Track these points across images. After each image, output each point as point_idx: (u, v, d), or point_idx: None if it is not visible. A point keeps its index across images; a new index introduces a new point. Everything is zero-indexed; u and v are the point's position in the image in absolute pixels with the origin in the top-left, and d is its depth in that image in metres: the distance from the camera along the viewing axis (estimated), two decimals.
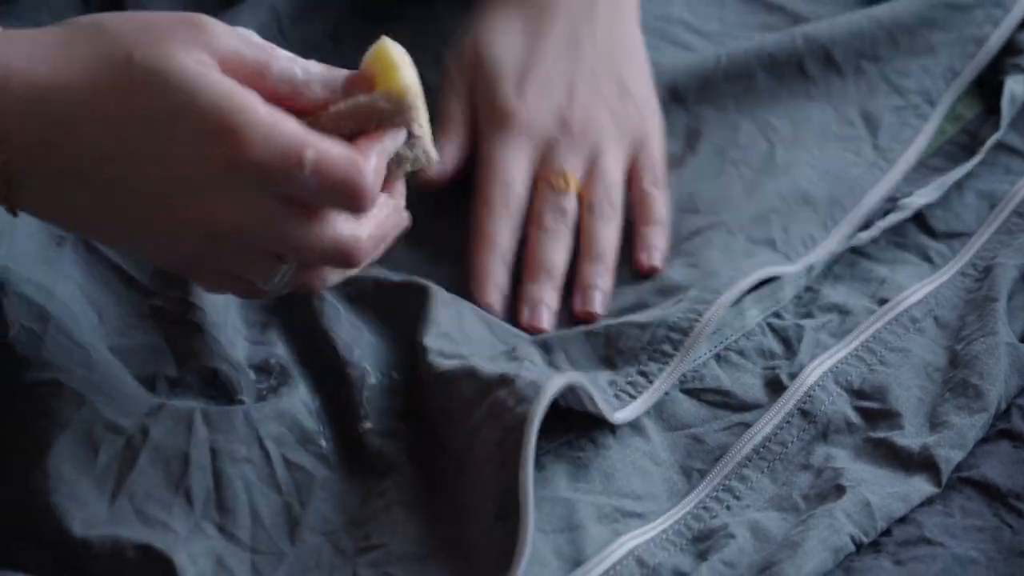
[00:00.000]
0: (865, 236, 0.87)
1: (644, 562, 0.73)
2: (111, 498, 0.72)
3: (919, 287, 0.85)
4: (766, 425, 0.78)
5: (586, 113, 0.89)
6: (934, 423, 0.78)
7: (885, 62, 0.95)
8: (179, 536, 0.71)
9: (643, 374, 0.80)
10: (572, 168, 0.88)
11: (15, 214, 0.71)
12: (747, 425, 0.78)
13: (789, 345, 0.82)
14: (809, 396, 0.79)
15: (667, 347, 0.80)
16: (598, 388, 0.77)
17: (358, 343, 0.80)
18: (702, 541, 0.74)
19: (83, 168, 0.69)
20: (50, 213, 0.72)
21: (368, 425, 0.77)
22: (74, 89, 0.68)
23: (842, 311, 0.84)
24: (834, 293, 0.85)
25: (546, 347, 0.80)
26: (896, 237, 0.88)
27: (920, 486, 0.75)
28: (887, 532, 0.74)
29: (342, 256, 0.72)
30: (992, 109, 0.94)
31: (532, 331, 0.83)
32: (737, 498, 0.76)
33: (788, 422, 0.79)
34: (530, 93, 0.89)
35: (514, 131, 0.88)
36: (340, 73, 0.72)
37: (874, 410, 0.79)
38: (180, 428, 0.74)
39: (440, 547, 0.72)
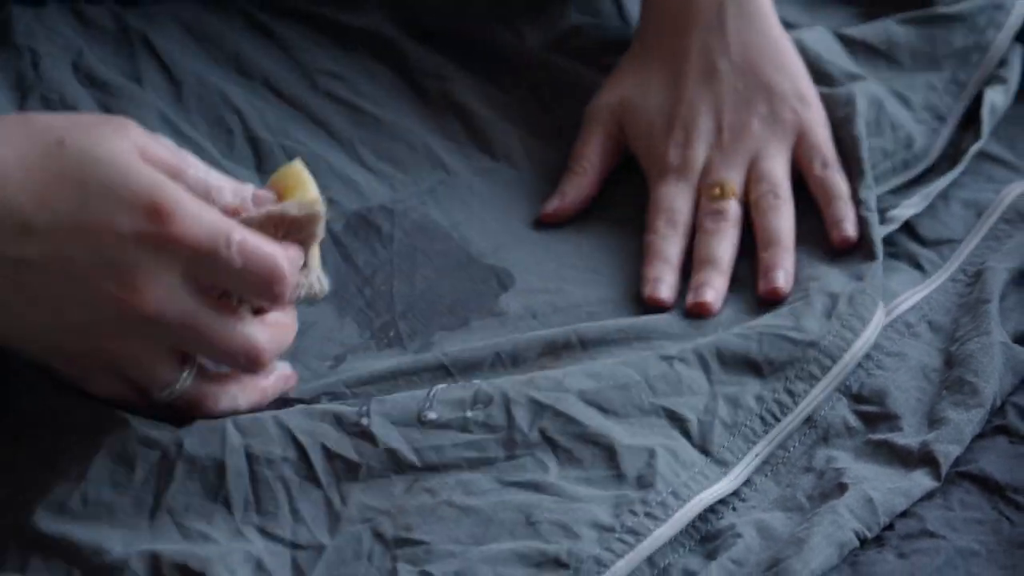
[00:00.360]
0: None
1: (655, 563, 0.74)
2: (150, 515, 0.73)
3: (912, 293, 0.87)
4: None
5: (735, 129, 0.92)
6: (932, 420, 0.80)
7: (890, 80, 0.97)
8: (220, 545, 0.72)
9: (790, 392, 0.81)
10: (728, 179, 0.91)
11: None
12: None
13: None
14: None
15: (815, 369, 0.82)
16: (744, 410, 0.79)
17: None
18: (710, 541, 0.76)
19: (8, 242, 0.70)
20: None
21: (432, 416, 0.78)
22: (5, 168, 0.70)
23: None
24: None
25: (702, 361, 0.81)
26: (887, 247, 0.90)
27: (920, 481, 0.77)
28: (890, 527, 0.76)
29: (249, 356, 0.74)
30: (973, 119, 0.96)
31: (697, 309, 0.86)
32: (743, 500, 0.78)
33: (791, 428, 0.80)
34: (679, 136, 0.92)
35: (673, 174, 0.92)
36: (248, 186, 0.76)
37: (873, 413, 0.81)
38: (213, 437, 0.75)
39: (482, 560, 0.73)
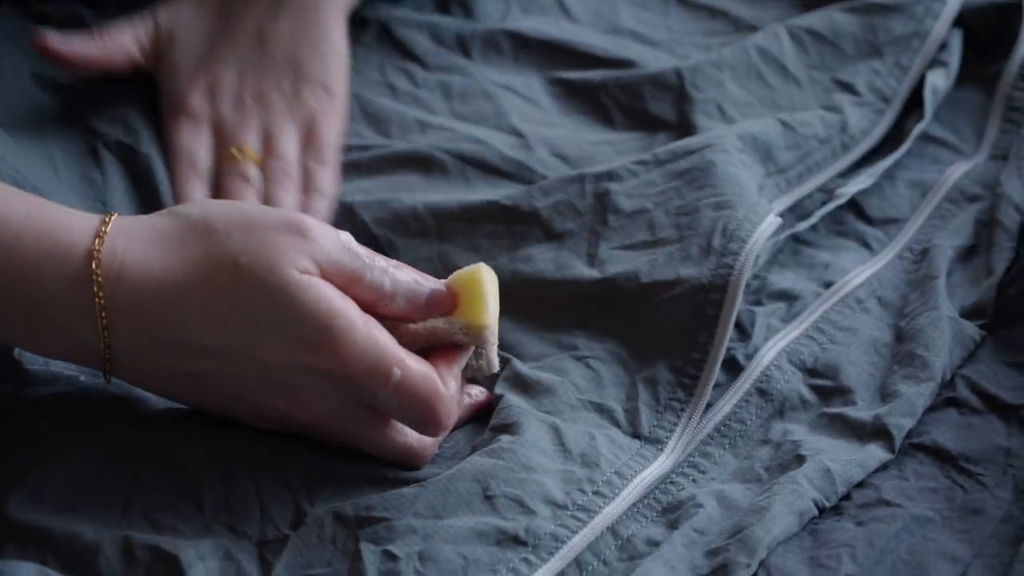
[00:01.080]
0: (805, 224, 0.90)
1: (618, 534, 0.76)
2: (123, 509, 0.74)
3: (860, 270, 0.89)
4: (726, 404, 0.82)
5: (258, 96, 0.94)
6: (884, 394, 0.82)
7: (834, 69, 0.98)
8: (188, 537, 0.73)
9: (698, 347, 0.82)
10: (249, 143, 0.93)
11: (108, 380, 0.76)
12: (709, 405, 0.82)
13: (743, 329, 0.85)
14: (766, 376, 0.83)
15: (710, 310, 0.83)
16: (663, 384, 0.81)
17: None
18: (672, 512, 0.77)
19: (182, 357, 0.74)
20: (140, 383, 0.77)
21: None
22: (183, 291, 0.73)
23: (790, 297, 0.87)
24: (781, 280, 0.89)
25: (616, 356, 0.83)
26: (835, 226, 0.92)
27: (875, 453, 0.79)
28: (847, 496, 0.77)
29: (407, 461, 0.77)
30: (917, 103, 0.98)
31: None
32: (702, 472, 0.79)
33: (747, 400, 0.82)
34: (202, 85, 0.94)
35: (190, 119, 0.93)
36: (425, 288, 0.76)
37: (827, 387, 0.83)
38: (190, 442, 0.76)
39: (444, 540, 0.74)
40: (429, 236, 0.89)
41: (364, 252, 0.76)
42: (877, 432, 0.80)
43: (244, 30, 0.96)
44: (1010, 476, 0.77)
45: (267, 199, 0.91)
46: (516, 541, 0.74)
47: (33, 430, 0.76)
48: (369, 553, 0.72)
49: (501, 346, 0.80)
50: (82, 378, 0.80)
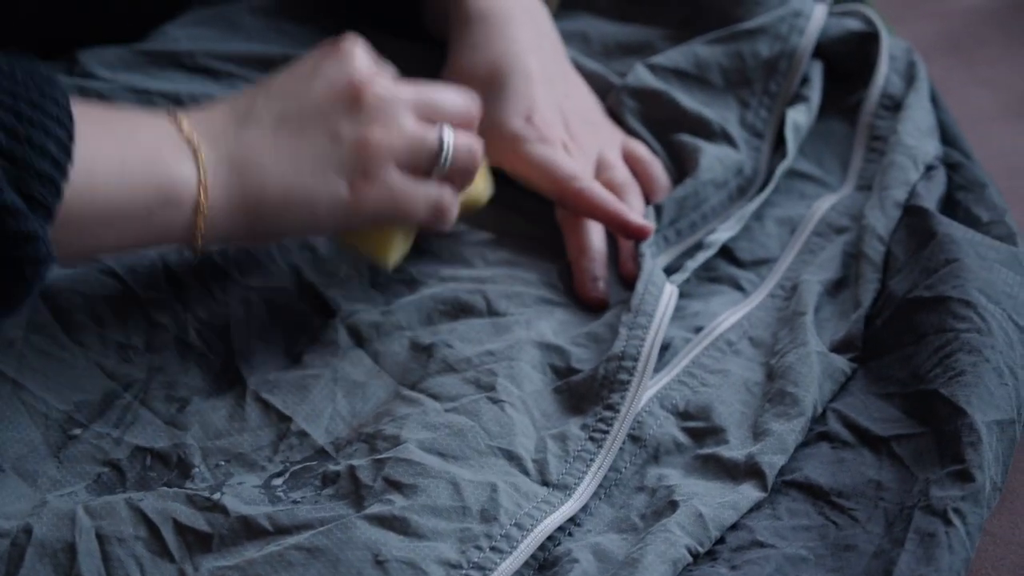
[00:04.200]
0: (678, 277, 0.91)
1: None
2: None
3: (731, 313, 0.89)
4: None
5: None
6: (757, 433, 0.82)
7: (705, 104, 0.99)
8: None
9: (609, 407, 0.83)
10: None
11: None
12: None
13: None
14: (638, 422, 0.83)
15: (624, 376, 0.83)
16: (573, 439, 0.81)
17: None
18: (548, 568, 0.77)
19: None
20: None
21: (282, 495, 0.79)
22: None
23: (661, 347, 0.87)
24: None
25: (527, 409, 0.83)
26: (706, 272, 0.93)
27: (748, 493, 0.79)
28: (721, 540, 0.78)
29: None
30: (782, 140, 0.98)
31: None
32: (578, 525, 0.79)
33: (621, 448, 0.82)
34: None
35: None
36: None
37: (700, 428, 0.83)
38: (63, 523, 0.76)
39: None
40: None
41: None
42: (750, 471, 0.80)
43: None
44: (881, 509, 0.78)
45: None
46: None
47: None
48: None
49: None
50: None
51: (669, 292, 0.87)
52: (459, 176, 0.87)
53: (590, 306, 0.91)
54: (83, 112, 0.76)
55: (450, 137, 0.85)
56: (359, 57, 0.84)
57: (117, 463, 0.81)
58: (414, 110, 0.85)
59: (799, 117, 0.98)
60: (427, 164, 0.85)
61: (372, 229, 0.87)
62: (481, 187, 0.91)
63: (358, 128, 0.83)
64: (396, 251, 0.88)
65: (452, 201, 0.87)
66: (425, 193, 0.85)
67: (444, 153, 0.85)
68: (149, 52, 1.02)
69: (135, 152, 0.79)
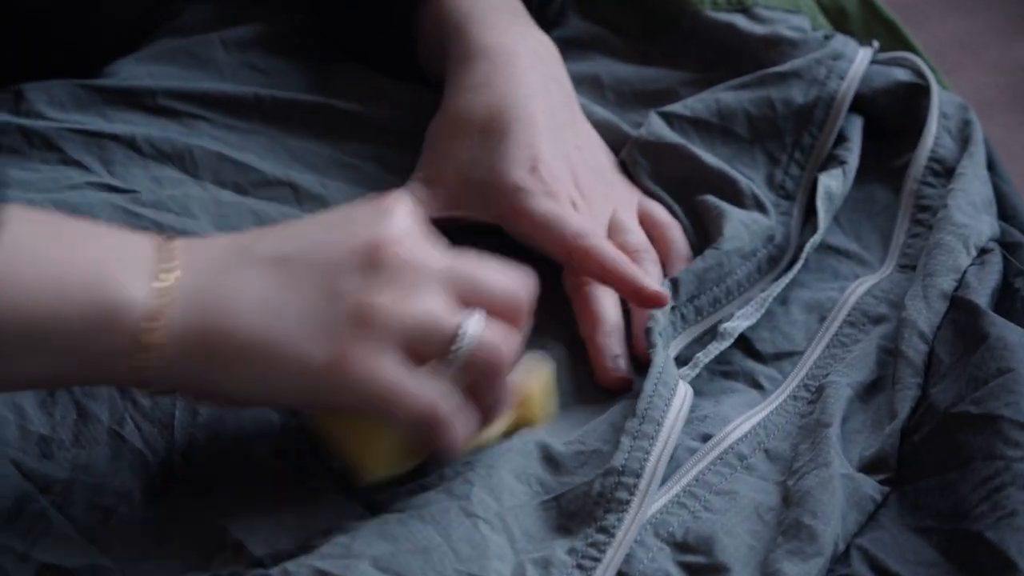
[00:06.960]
0: (687, 372, 0.79)
1: None
2: None
3: (746, 418, 0.78)
4: None
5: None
6: (766, 574, 0.71)
7: (730, 158, 0.89)
8: None
9: (603, 530, 0.72)
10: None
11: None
12: None
13: None
14: (627, 555, 0.72)
15: (623, 494, 0.73)
16: (558, 565, 0.70)
17: None
18: None
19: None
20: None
21: None
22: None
23: None
24: None
25: (505, 528, 0.72)
26: (721, 366, 0.81)
27: None
28: None
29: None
30: (810, 209, 0.87)
31: None
32: None
33: None
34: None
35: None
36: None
37: (699, 565, 0.72)
38: None
39: None
40: None
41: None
42: None
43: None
44: None
45: None
46: None
47: None
48: None
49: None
50: None
51: (683, 395, 0.76)
52: (480, 380, 0.72)
53: (610, 388, 0.80)
54: (26, 216, 0.69)
55: (475, 327, 0.71)
56: (399, 215, 0.72)
57: None
58: (446, 285, 0.72)
59: (833, 184, 0.86)
60: (436, 352, 0.71)
61: (357, 420, 0.73)
62: (534, 411, 0.76)
63: (364, 288, 0.70)
64: (380, 460, 0.73)
65: (456, 414, 0.72)
66: (422, 389, 0.71)
67: (458, 343, 0.71)
68: (105, 89, 0.93)
69: (82, 264, 0.69)
